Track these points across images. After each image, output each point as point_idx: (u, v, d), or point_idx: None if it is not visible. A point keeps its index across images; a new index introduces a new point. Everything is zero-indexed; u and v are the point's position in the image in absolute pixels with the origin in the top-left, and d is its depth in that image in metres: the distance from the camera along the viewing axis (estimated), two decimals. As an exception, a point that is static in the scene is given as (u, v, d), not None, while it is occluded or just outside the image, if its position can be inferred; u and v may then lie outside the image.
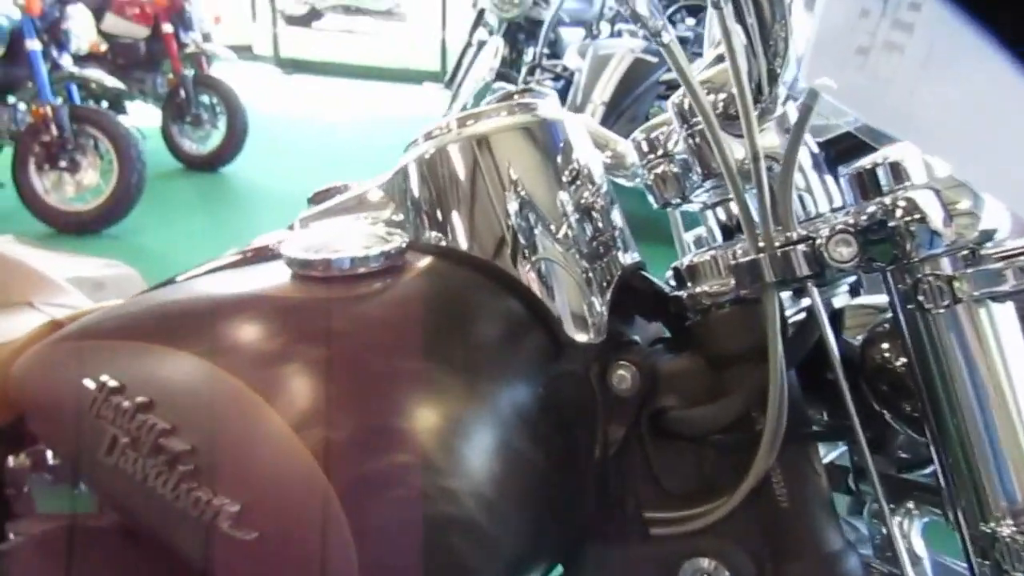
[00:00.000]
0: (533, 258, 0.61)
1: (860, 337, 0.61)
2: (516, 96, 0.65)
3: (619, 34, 4.84)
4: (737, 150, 0.56)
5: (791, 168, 0.52)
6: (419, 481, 0.54)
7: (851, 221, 0.51)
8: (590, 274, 0.62)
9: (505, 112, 0.64)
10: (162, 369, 0.60)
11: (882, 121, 0.44)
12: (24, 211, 4.19)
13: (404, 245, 0.62)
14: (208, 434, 0.57)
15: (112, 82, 4.44)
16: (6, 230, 1.22)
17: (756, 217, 0.54)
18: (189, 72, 5.47)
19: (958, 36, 0.38)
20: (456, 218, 0.63)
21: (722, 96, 0.57)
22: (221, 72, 5.79)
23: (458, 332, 0.59)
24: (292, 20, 10.69)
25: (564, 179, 0.63)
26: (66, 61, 4.41)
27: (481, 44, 5.27)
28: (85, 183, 4.23)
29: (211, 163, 5.54)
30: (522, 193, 0.61)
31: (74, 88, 4.37)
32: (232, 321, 0.61)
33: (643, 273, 0.66)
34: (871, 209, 0.51)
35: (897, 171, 0.52)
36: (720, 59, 0.58)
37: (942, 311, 0.50)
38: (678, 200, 0.64)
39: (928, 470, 0.64)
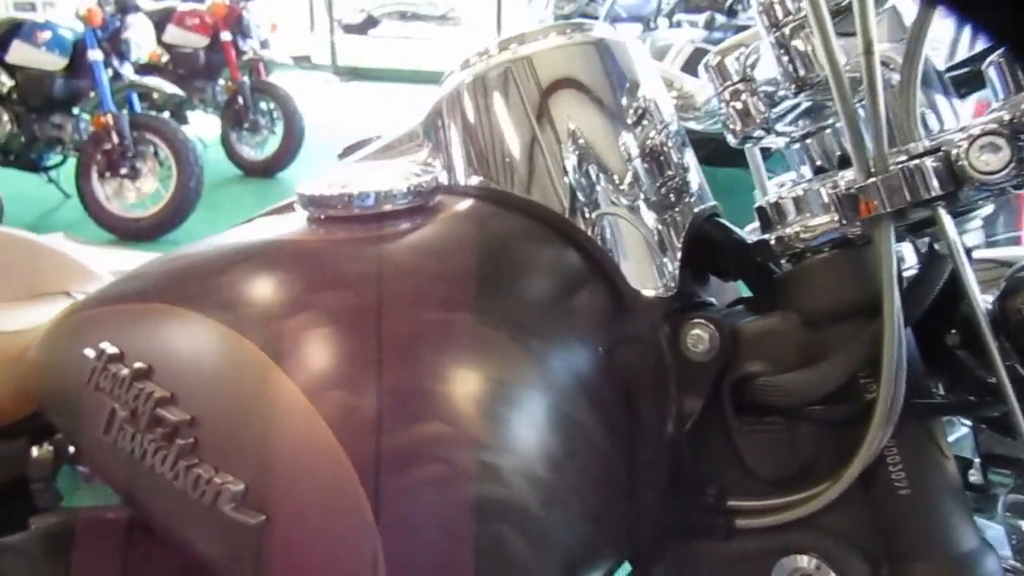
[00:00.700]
0: (591, 206, 0.52)
1: (990, 295, 0.50)
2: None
3: (678, 25, 4.73)
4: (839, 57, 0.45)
5: (916, 59, 0.41)
6: (456, 458, 0.45)
7: (1006, 117, 0.40)
8: (659, 223, 0.53)
9: (555, 32, 0.55)
10: (162, 330, 0.53)
11: None
12: (87, 222, 4.24)
13: (436, 182, 0.53)
14: (210, 402, 0.48)
15: (172, 88, 4.51)
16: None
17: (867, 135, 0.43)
18: (247, 79, 5.54)
19: None
20: (498, 156, 0.54)
21: None
22: (280, 82, 5.85)
23: (503, 281, 0.50)
24: (349, 28, 10.86)
25: (627, 112, 0.54)
26: (127, 70, 4.49)
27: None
28: (145, 189, 4.30)
29: (268, 169, 5.60)
30: (576, 128, 0.52)
31: (135, 97, 4.45)
32: (237, 272, 0.52)
33: (720, 220, 0.56)
34: None
35: None
36: None
37: None
38: (760, 132, 0.54)
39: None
